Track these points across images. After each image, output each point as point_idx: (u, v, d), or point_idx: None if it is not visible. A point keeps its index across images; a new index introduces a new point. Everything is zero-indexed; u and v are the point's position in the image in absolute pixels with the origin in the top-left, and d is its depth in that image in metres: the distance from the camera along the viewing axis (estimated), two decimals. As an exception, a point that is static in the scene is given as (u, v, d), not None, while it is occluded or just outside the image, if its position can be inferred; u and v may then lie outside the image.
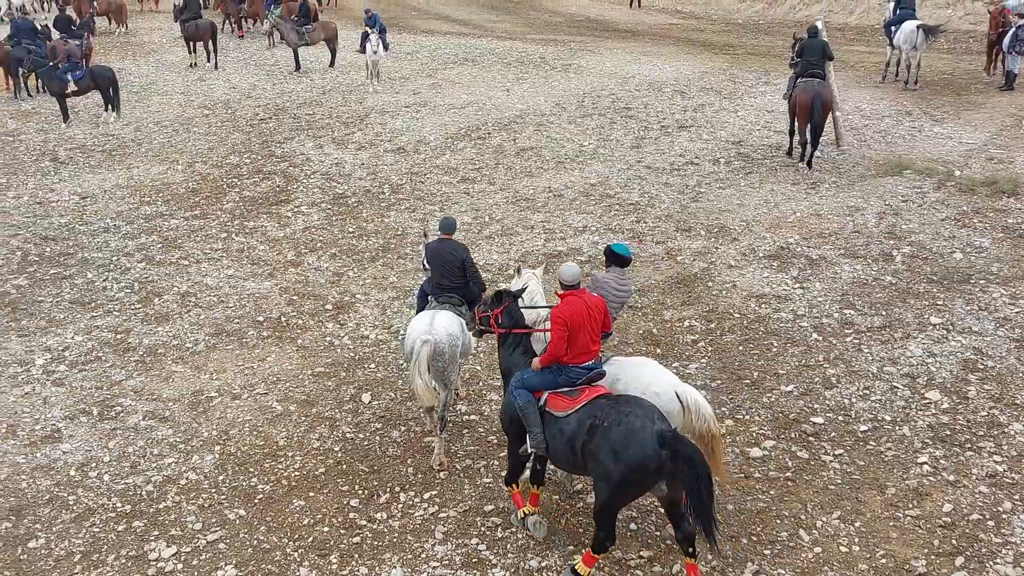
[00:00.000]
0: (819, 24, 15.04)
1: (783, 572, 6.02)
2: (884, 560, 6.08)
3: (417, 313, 7.47)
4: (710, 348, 8.92)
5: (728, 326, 9.32)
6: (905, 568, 6.01)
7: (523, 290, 6.94)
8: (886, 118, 16.43)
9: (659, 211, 12.56)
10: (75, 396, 8.29)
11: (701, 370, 8.50)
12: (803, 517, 6.52)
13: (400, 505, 6.81)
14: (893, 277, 10.17)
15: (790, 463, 7.12)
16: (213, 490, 7.00)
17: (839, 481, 6.88)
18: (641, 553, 6.22)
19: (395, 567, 6.16)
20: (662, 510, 6.01)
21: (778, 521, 6.49)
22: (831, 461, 7.11)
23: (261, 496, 6.93)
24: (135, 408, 8.09)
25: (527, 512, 6.41)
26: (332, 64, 23.17)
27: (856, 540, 6.27)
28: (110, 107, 18.43)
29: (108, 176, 14.90)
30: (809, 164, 13.82)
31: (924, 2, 23.94)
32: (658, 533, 6.41)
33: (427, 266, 7.56)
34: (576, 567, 5.87)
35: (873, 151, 14.64)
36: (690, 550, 5.73)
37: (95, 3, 29.77)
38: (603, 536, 5.73)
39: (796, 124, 13.84)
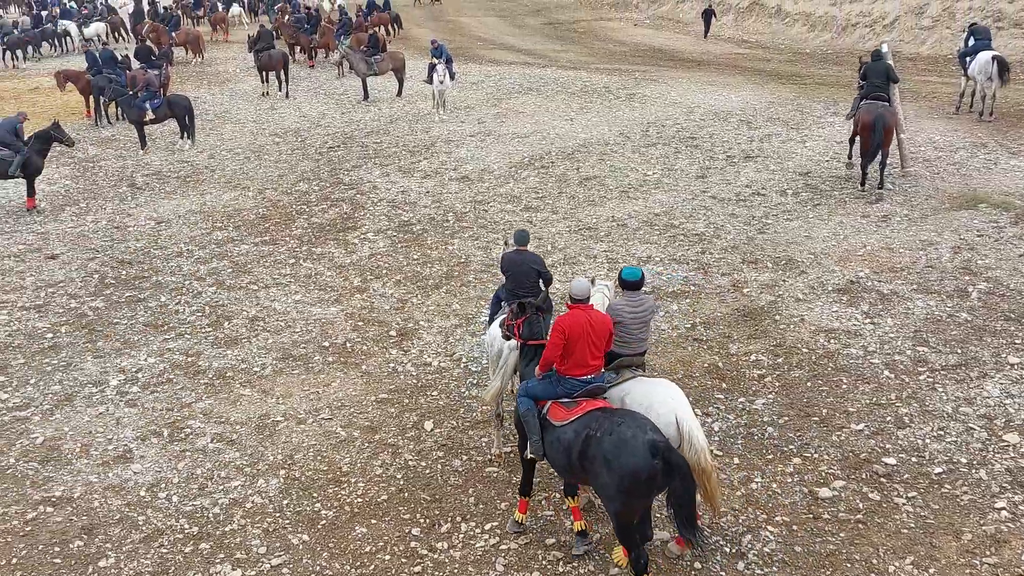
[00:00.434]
0: (884, 47, 14.94)
1: (854, 619, 5.83)
2: (961, 610, 5.85)
3: (491, 318, 7.98)
4: (777, 384, 8.74)
5: (796, 361, 9.13)
6: (984, 619, 5.77)
7: (541, 305, 7.01)
8: (960, 150, 16.02)
9: (725, 242, 12.42)
10: (147, 417, 8.50)
11: (768, 406, 8.34)
12: (875, 562, 6.31)
13: (461, 535, 6.80)
14: (968, 314, 9.86)
15: (861, 505, 6.91)
16: (277, 514, 7.08)
17: (912, 525, 6.65)
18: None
19: (455, 598, 6.14)
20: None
21: (848, 565, 6.29)
22: (904, 504, 6.88)
23: (324, 522, 6.99)
24: (204, 430, 8.25)
25: (519, 520, 6.79)
26: (399, 93, 23.58)
27: (931, 588, 6.05)
28: (186, 135, 19.03)
29: (182, 202, 15.34)
30: (881, 184, 13.94)
31: (999, 32, 23.36)
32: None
33: (502, 271, 7.97)
34: None
35: (946, 183, 14.28)
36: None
37: (173, 34, 30.91)
38: (633, 556, 5.86)
39: (860, 145, 14.08)
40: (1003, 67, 17.14)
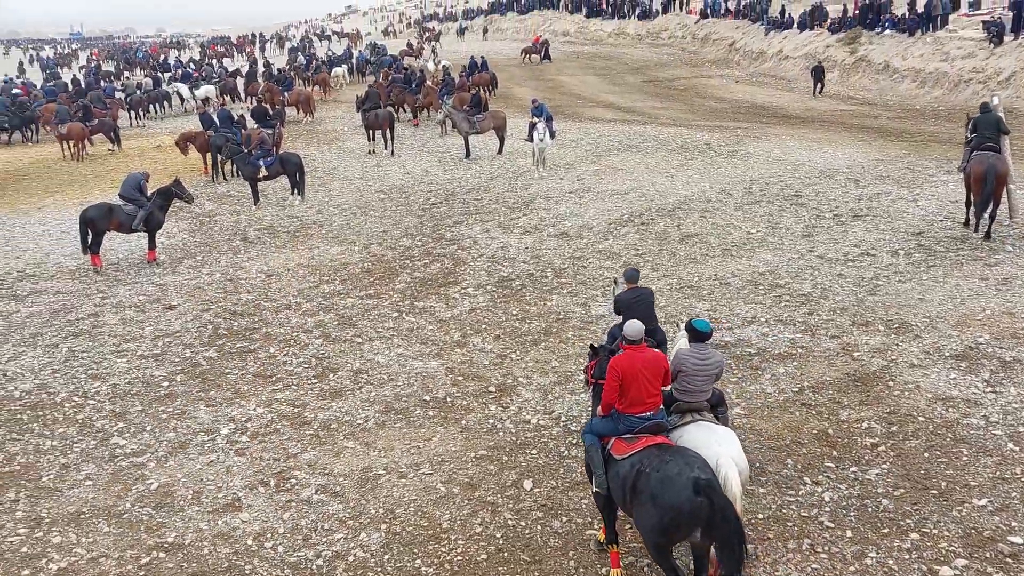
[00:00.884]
0: (995, 99, 14.70)
1: None
2: None
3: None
4: (892, 453, 8.35)
5: (912, 430, 8.72)
6: None
7: (611, 349, 7.29)
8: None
9: (833, 303, 12.06)
10: (254, 467, 8.71)
11: (882, 476, 7.96)
12: (1005, 651, 5.89)
13: (561, 600, 6.67)
14: (1103, 384, 9.26)
15: (987, 587, 6.49)
16: (379, 569, 7.10)
17: (1046, 612, 6.20)
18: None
19: (555, 665, 6.01)
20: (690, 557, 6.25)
21: (975, 653, 5.89)
22: (1035, 588, 6.43)
23: (424, 579, 6.98)
24: (308, 481, 8.40)
25: None
26: (500, 151, 24.02)
27: None
28: (296, 191, 19.79)
29: (291, 255, 15.88)
30: (988, 236, 13.67)
31: None
32: None
33: (615, 312, 8.42)
34: None
35: (1073, 245, 13.58)
36: None
37: (285, 95, 32.41)
38: None
39: (971, 196, 14.08)
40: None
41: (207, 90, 37.76)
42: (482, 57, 39.47)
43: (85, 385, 10.69)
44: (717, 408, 7.15)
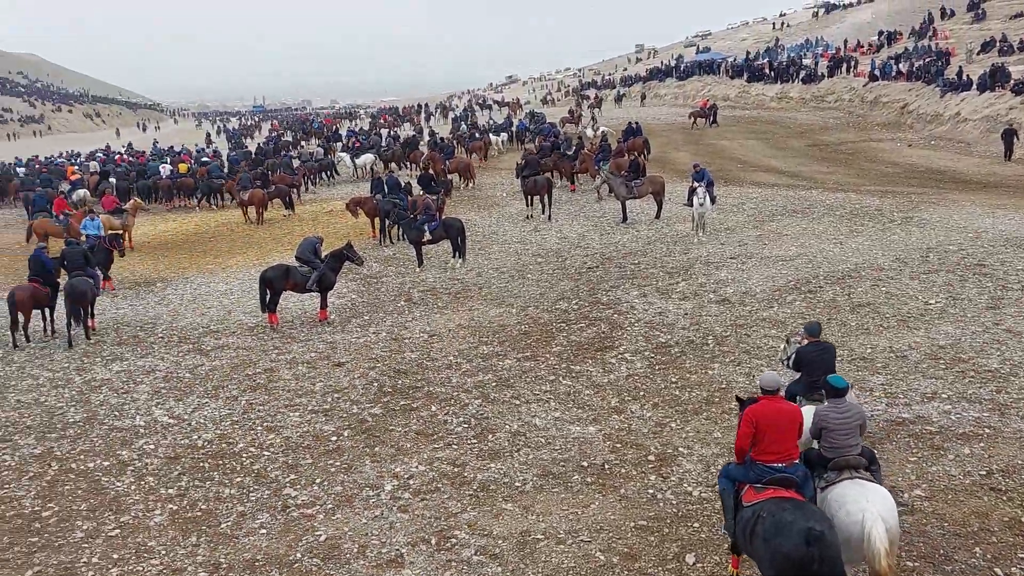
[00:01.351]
0: None
1: None
2: None
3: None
4: (1101, 549, 7.53)
5: (1125, 525, 7.85)
6: None
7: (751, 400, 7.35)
8: None
9: (1024, 381, 11.14)
10: (416, 524, 8.85)
11: (1091, 575, 7.18)
12: None
13: None
14: None
15: None
16: (536, 637, 7.00)
17: None
18: None
19: None
20: None
21: None
22: None
23: (583, 651, 6.81)
24: (468, 542, 8.44)
25: None
26: (658, 216, 23.92)
27: None
28: (458, 254, 20.38)
29: (452, 316, 16.29)
30: None
31: None
32: None
33: (793, 368, 8.61)
34: None
35: None
36: None
37: (447, 163, 33.68)
38: None
39: None
40: None
41: (366, 159, 39.98)
42: (636, 122, 39.70)
43: (261, 437, 11.26)
44: (871, 466, 7.10)
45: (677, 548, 8.16)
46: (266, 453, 10.76)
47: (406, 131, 62.92)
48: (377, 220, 24.23)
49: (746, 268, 17.86)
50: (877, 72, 50.02)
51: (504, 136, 47.38)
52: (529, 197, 25.84)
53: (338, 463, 10.35)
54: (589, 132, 43.31)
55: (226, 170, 37.73)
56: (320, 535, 8.70)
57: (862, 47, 59.26)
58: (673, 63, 79.48)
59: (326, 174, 38.90)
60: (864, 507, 6.38)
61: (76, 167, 44.87)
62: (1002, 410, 10.38)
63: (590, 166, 29.94)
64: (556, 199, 26.66)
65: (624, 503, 9.09)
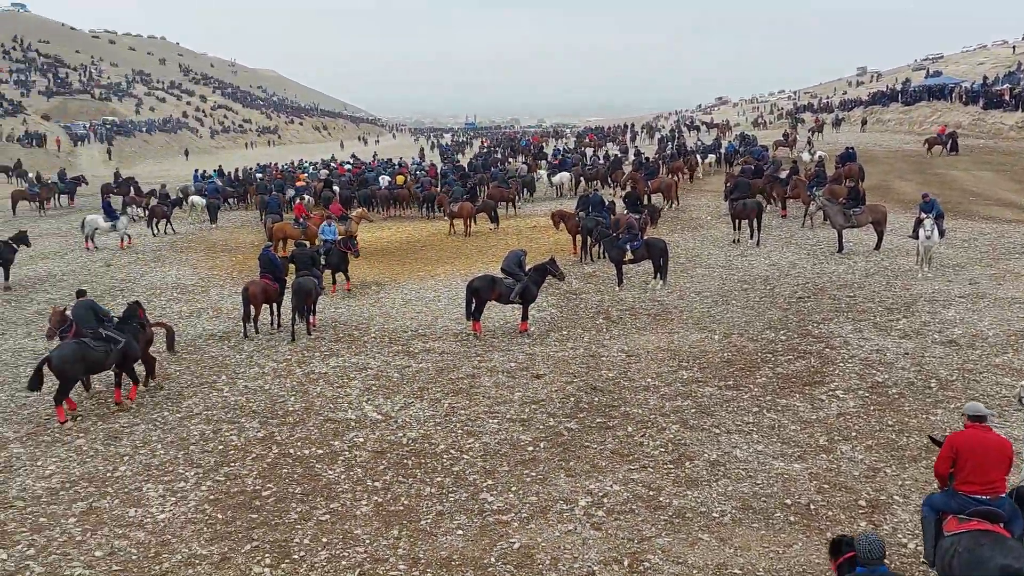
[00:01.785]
0: None
1: None
2: None
3: None
4: None
5: None
6: None
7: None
8: None
9: None
10: (609, 543, 8.76)
11: None
12: None
13: None
14: None
15: None
16: (731, 676, 6.72)
17: None
18: None
19: None
20: None
21: None
22: None
23: None
24: (661, 567, 8.26)
25: None
26: (878, 247, 22.53)
27: None
28: (659, 275, 20.13)
29: (651, 338, 16.08)
30: None
31: None
32: None
33: None
34: None
35: None
36: None
37: (649, 183, 33.43)
38: None
39: None
40: None
41: (563, 176, 40.59)
42: (851, 147, 37.66)
43: (461, 440, 11.59)
44: None
45: (888, 603, 7.57)
46: (465, 456, 11.06)
47: (611, 151, 63.12)
48: (579, 237, 24.41)
49: (977, 309, 16.43)
50: None
51: (712, 158, 46.46)
52: (737, 221, 25.13)
53: (533, 473, 10.46)
54: (805, 156, 41.60)
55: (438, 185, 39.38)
56: (514, 542, 8.81)
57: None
58: (899, 87, 74.80)
59: (528, 190, 39.73)
60: None
61: (306, 175, 48.39)
62: None
63: (802, 192, 28.68)
64: (765, 224, 25.76)
65: (830, 548, 8.56)
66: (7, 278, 22.87)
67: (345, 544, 8.93)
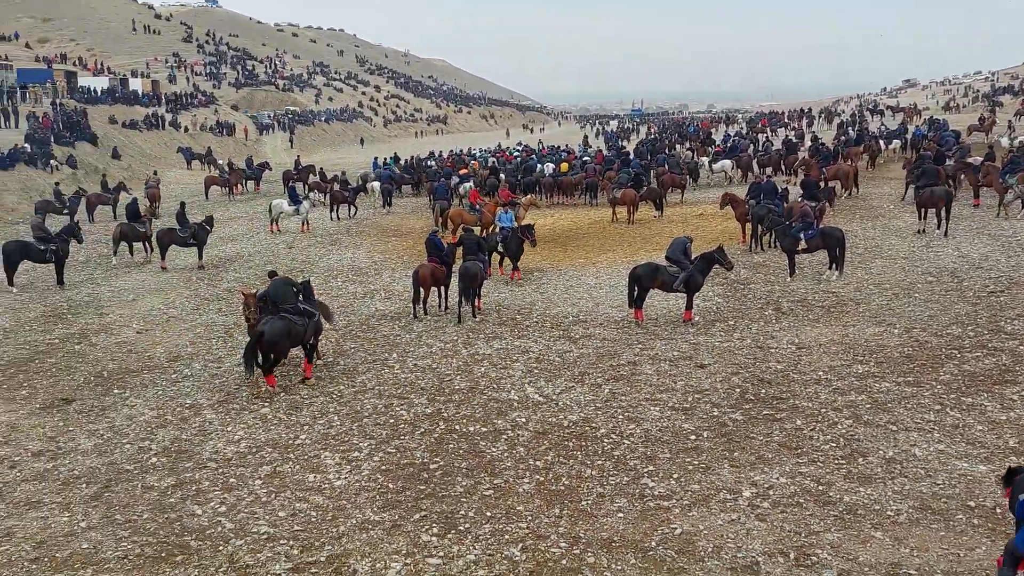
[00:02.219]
0: None
1: None
2: None
3: None
4: None
5: None
6: None
7: None
8: None
9: None
10: (774, 535, 8.54)
11: None
12: None
13: None
14: None
15: None
16: None
17: None
18: None
19: None
20: None
21: None
22: None
23: None
24: (830, 563, 7.97)
25: None
26: (1083, 239, 20.62)
27: None
28: (835, 266, 19.27)
29: (824, 331, 15.43)
30: None
31: None
32: None
33: None
34: None
35: None
36: None
37: (825, 170, 31.99)
38: None
39: None
40: None
41: (724, 164, 39.49)
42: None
43: (622, 426, 11.59)
44: None
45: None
46: (626, 441, 11.05)
47: (785, 136, 60.78)
48: (748, 225, 23.71)
49: None
50: None
51: (897, 143, 43.89)
52: (923, 210, 23.61)
53: (696, 462, 10.32)
54: (1004, 141, 38.55)
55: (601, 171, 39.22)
56: (675, 528, 8.74)
57: None
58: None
59: (692, 177, 38.84)
60: None
61: (477, 161, 49.39)
62: None
63: (994, 179, 26.58)
64: (955, 214, 24.08)
65: (1019, 556, 7.97)
66: (201, 257, 24.81)
67: (508, 519, 9.15)
